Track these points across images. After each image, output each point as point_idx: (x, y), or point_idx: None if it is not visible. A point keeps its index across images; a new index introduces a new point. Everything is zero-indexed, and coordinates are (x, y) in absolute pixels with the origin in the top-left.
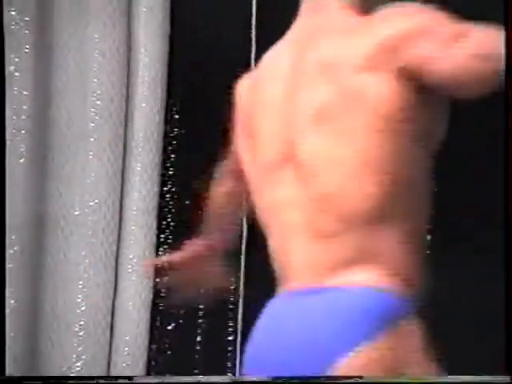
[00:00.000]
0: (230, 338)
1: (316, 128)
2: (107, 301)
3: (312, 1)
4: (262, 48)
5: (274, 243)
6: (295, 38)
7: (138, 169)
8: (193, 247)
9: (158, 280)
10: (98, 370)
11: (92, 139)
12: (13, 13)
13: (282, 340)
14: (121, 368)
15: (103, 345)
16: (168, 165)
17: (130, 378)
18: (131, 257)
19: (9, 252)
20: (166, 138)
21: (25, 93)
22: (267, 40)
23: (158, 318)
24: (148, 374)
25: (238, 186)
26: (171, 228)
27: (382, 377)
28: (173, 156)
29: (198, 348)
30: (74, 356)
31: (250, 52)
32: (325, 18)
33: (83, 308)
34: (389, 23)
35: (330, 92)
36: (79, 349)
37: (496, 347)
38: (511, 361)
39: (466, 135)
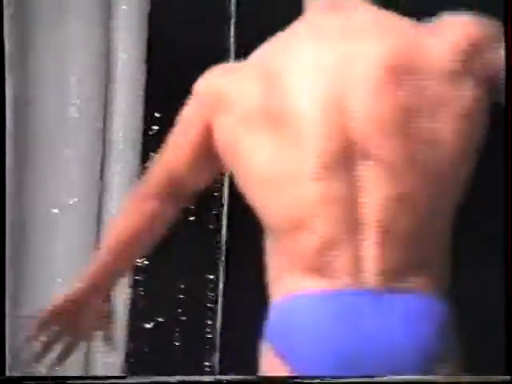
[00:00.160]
0: (209, 336)
1: (398, 129)
2: None
3: None
4: (241, 47)
5: (311, 239)
6: (321, 34)
7: (118, 167)
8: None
9: (137, 278)
10: (76, 369)
11: (71, 137)
12: None
13: (379, 342)
14: (99, 367)
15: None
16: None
17: (127, 377)
18: None
19: None
20: (146, 137)
21: None
22: (246, 40)
23: (137, 317)
24: (126, 372)
25: (163, 207)
26: None
27: (382, 377)
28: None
29: (177, 347)
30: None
31: (229, 52)
32: (360, 16)
33: None
34: (465, 30)
35: (411, 94)
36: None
37: (496, 347)
38: (511, 361)
39: None
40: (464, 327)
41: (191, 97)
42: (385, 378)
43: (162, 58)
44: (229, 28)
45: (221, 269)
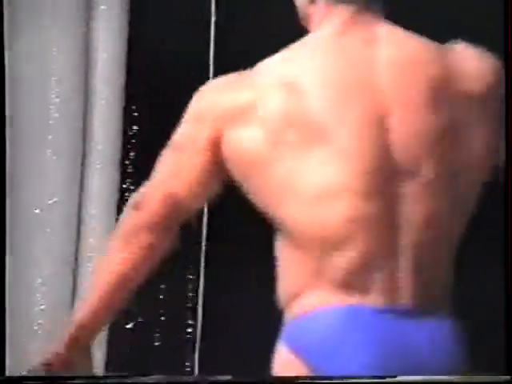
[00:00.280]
0: (189, 336)
1: (435, 149)
2: (67, 300)
3: (350, 15)
4: (220, 49)
5: (346, 256)
6: (349, 51)
7: (98, 167)
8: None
9: None
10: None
11: (51, 137)
12: None
13: (406, 362)
14: None
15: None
16: (127, 163)
17: (127, 377)
18: (90, 255)
19: None
20: (125, 136)
21: None
22: (225, 41)
23: (117, 318)
24: (106, 372)
25: (162, 237)
26: None
27: (382, 377)
28: (132, 154)
29: (157, 347)
30: (33, 355)
31: (209, 52)
32: (382, 34)
33: (43, 307)
34: (485, 65)
35: (445, 116)
36: (38, 348)
37: (496, 347)
38: (511, 361)
39: None
40: (464, 327)
41: (190, 115)
42: (388, 379)
43: (142, 57)
44: (209, 28)
45: (201, 269)
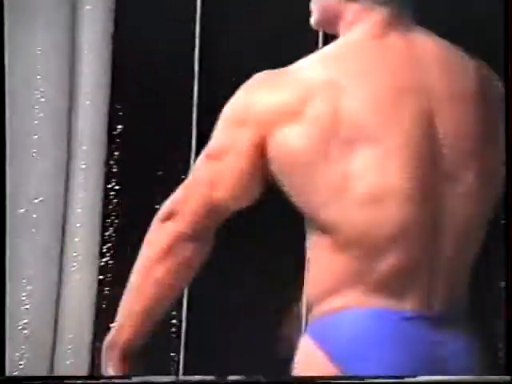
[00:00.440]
0: (174, 336)
1: (475, 155)
2: (51, 299)
3: (385, 19)
4: (206, 48)
5: (390, 258)
6: (387, 55)
7: (82, 166)
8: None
9: (102, 278)
10: (41, 369)
11: (36, 137)
12: None
13: (431, 370)
14: (64, 367)
15: (47, 343)
16: (112, 162)
17: (128, 377)
18: (75, 255)
19: None
20: (110, 135)
21: None
22: (211, 40)
23: (102, 316)
24: (91, 373)
25: (201, 245)
26: (115, 226)
27: (382, 377)
28: (116, 154)
29: (141, 346)
30: (18, 355)
31: (194, 51)
32: (418, 40)
33: (27, 306)
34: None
35: (487, 117)
36: (22, 347)
37: (496, 347)
38: (511, 361)
39: None
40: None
41: (229, 119)
42: (384, 379)
43: (127, 57)
44: (194, 27)
45: None
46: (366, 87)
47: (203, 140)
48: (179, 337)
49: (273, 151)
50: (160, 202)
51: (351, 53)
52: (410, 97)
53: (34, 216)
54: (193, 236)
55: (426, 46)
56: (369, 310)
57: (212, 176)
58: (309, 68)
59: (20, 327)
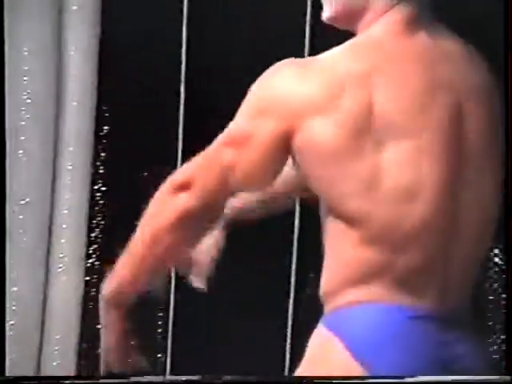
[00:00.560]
0: (160, 337)
1: (491, 153)
2: (38, 300)
3: (406, 17)
4: (193, 49)
5: (414, 254)
6: (413, 49)
7: (69, 167)
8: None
9: (88, 279)
10: (27, 370)
11: (22, 137)
12: None
13: (441, 369)
14: (50, 367)
15: (33, 344)
16: (98, 163)
17: (129, 377)
18: (62, 256)
19: None
20: (97, 136)
21: None
22: (198, 37)
23: (89, 317)
24: (78, 373)
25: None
26: (101, 227)
27: (381, 377)
28: (103, 155)
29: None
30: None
31: (181, 49)
32: (440, 38)
33: (14, 307)
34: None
35: (489, 116)
36: (8, 348)
37: (496, 347)
38: (511, 361)
39: None
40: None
41: (255, 107)
42: (390, 380)
43: (114, 58)
44: (181, 26)
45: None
46: (397, 82)
47: (190, 141)
48: (165, 338)
49: (301, 143)
50: (146, 204)
51: (379, 47)
52: (440, 93)
53: (21, 217)
54: (204, 211)
55: (449, 42)
56: (386, 306)
57: (230, 161)
58: (339, 60)
59: (7, 328)
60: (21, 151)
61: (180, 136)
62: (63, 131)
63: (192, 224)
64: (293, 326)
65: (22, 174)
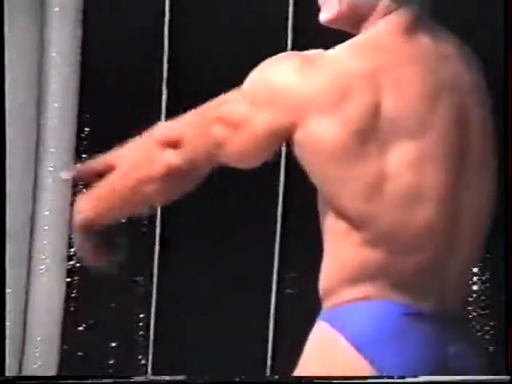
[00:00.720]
0: (142, 339)
1: (489, 155)
2: (19, 301)
3: (406, 19)
4: (175, 51)
5: (416, 256)
6: (417, 55)
7: (50, 169)
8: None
9: (69, 280)
10: (8, 372)
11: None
12: None
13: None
14: (32, 369)
15: (15, 346)
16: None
17: (129, 377)
18: (43, 257)
19: None
20: (78, 137)
21: None
22: (180, 41)
23: (70, 319)
24: (59, 374)
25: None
26: None
27: (381, 377)
28: (84, 156)
29: (110, 348)
30: None
31: (163, 53)
32: (438, 39)
33: None
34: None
35: (487, 117)
36: None
37: (496, 347)
38: (511, 361)
39: None
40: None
41: (257, 95)
42: (389, 380)
43: (96, 60)
44: (163, 26)
45: (155, 266)
46: (402, 84)
47: None
48: (147, 338)
49: (302, 138)
50: None
51: (383, 49)
52: (445, 94)
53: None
54: (188, 172)
55: (448, 44)
56: (388, 303)
57: (222, 138)
58: (346, 58)
59: None
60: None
61: None
62: (44, 132)
63: (174, 181)
64: (275, 325)
65: (3, 175)
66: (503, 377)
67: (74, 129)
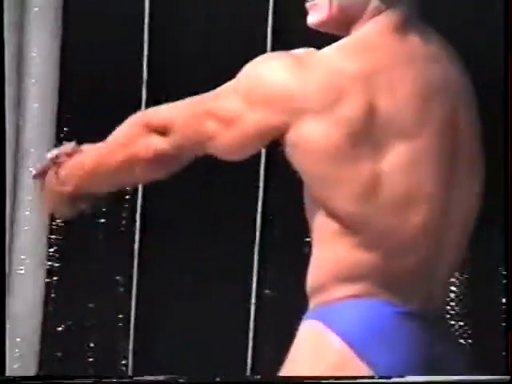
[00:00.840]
0: (121, 339)
1: (473, 149)
2: None
3: (396, 19)
4: (155, 51)
5: (408, 257)
6: (406, 55)
7: (30, 169)
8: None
9: (48, 281)
10: None
11: None
12: None
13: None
14: (12, 370)
15: None
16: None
17: (131, 377)
18: (23, 258)
19: None
20: (58, 138)
21: None
22: (160, 44)
23: (50, 320)
24: (38, 375)
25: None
26: (62, 228)
27: (381, 377)
28: None
29: (90, 349)
30: None
31: (142, 53)
32: (426, 39)
33: None
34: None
35: (475, 116)
36: None
37: (496, 347)
38: (511, 361)
39: None
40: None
41: (251, 94)
42: (388, 380)
43: (75, 60)
44: (143, 24)
45: (135, 268)
46: (395, 85)
47: None
48: (127, 338)
49: (295, 139)
50: (108, 205)
51: (373, 49)
52: (437, 95)
53: None
54: (174, 158)
55: (436, 45)
56: (378, 302)
57: (212, 131)
58: (338, 59)
59: None
60: None
61: None
62: (24, 133)
63: (160, 164)
64: (255, 327)
65: None
66: (503, 377)
67: (53, 129)
